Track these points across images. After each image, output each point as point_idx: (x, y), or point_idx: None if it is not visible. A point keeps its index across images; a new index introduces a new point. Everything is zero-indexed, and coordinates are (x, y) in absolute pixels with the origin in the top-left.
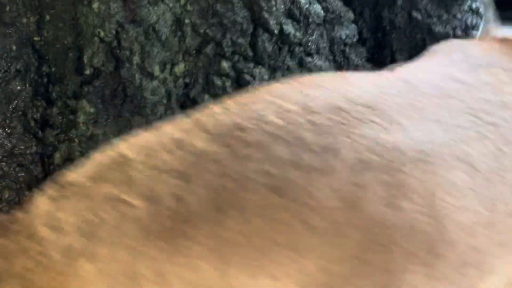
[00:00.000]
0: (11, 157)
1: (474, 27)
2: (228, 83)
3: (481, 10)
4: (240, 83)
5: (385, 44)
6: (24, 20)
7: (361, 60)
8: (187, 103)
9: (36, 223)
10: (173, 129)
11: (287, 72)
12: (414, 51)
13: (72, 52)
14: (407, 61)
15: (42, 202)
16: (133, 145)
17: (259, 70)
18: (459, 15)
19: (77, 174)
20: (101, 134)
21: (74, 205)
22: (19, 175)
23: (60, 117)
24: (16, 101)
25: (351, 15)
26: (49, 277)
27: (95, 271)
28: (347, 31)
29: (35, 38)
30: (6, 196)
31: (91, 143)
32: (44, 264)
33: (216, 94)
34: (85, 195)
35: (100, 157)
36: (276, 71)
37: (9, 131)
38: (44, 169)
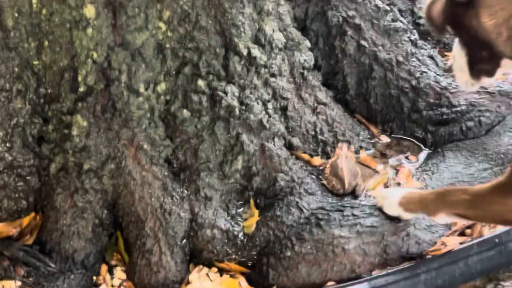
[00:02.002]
0: (11, 169)
1: (413, 54)
2: (204, 99)
3: (419, 41)
4: (214, 99)
5: (338, 70)
6: (26, 45)
7: (318, 82)
8: (168, 117)
9: None
10: None
11: (255, 90)
12: (362, 74)
13: (68, 72)
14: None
15: None
16: None
17: (231, 88)
18: (400, 44)
19: None
20: (92, 146)
21: None
22: (18, 185)
23: (55, 133)
24: (16, 118)
25: (308, 43)
26: None
27: None
28: (305, 57)
29: (35, 62)
30: (6, 205)
31: (84, 154)
32: None
33: (194, 109)
34: None
35: None
36: (245, 89)
37: (9, 145)
38: (40, 179)
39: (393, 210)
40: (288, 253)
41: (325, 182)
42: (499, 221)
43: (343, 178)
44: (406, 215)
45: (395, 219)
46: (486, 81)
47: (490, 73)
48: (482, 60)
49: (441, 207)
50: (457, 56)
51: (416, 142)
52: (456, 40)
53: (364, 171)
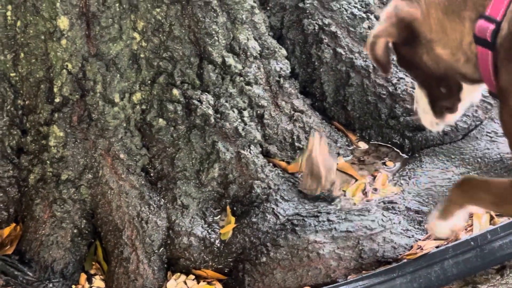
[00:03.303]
0: None
1: None
2: (179, 108)
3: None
4: (189, 108)
5: (315, 77)
6: (2, 57)
7: (295, 90)
8: (144, 126)
9: None
10: None
11: (230, 98)
12: (339, 82)
13: (44, 84)
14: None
15: None
16: None
17: (206, 97)
18: None
19: None
20: (70, 156)
21: None
22: None
23: (33, 144)
24: None
25: (284, 51)
26: None
27: None
28: (281, 65)
29: (11, 74)
30: None
31: (61, 164)
32: None
33: (169, 118)
34: None
35: None
36: (220, 97)
37: None
38: (20, 190)
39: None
40: (264, 259)
41: (300, 182)
42: None
43: (319, 175)
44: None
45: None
46: (450, 117)
47: (452, 109)
48: (442, 97)
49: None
50: (419, 98)
51: (394, 148)
52: (416, 83)
53: (343, 177)
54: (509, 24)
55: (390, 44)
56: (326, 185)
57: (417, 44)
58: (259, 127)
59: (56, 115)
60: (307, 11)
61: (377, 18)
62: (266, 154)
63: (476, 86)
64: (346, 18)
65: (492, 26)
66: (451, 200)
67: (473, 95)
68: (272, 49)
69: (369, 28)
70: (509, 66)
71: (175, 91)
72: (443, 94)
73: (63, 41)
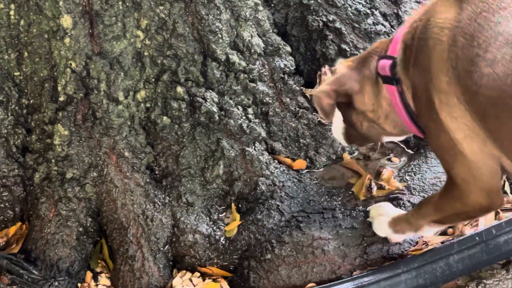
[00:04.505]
0: None
1: None
2: (183, 106)
3: None
4: (194, 105)
5: None
6: (6, 56)
7: (299, 86)
8: (149, 124)
9: None
10: None
11: (234, 95)
12: None
13: (48, 82)
14: None
15: None
16: None
17: (210, 94)
18: None
19: None
20: (74, 154)
21: None
22: (3, 195)
23: (38, 143)
24: None
25: (288, 48)
26: None
27: None
28: (285, 62)
29: (15, 73)
30: None
31: (66, 163)
32: None
33: (174, 116)
34: None
35: None
36: (224, 95)
37: None
38: (25, 189)
39: (382, 231)
40: (268, 256)
41: (318, 116)
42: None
43: None
44: (394, 237)
45: None
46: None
47: (361, 145)
48: (355, 137)
49: (420, 219)
50: (337, 123)
51: (399, 144)
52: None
53: (348, 173)
54: (401, 57)
55: None
56: None
57: (351, 108)
58: (263, 124)
59: (60, 113)
60: (311, 8)
61: (384, 15)
62: (271, 151)
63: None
64: (351, 14)
65: (389, 62)
66: (408, 220)
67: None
68: (276, 46)
69: (374, 24)
70: (420, 105)
71: (179, 89)
72: (356, 137)
73: (67, 40)
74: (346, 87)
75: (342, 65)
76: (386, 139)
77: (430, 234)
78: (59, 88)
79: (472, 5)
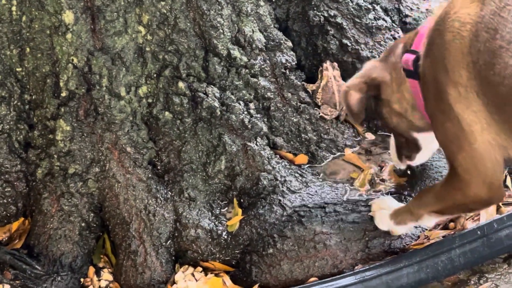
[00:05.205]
0: None
1: None
2: (185, 101)
3: None
4: (195, 101)
5: None
6: (8, 52)
7: (300, 81)
8: (151, 120)
9: None
10: None
11: (236, 91)
12: (345, 73)
13: (50, 78)
14: None
15: None
16: None
17: (211, 89)
18: (383, 42)
19: None
20: (77, 150)
21: None
22: (6, 190)
23: (40, 138)
24: (1, 125)
25: (289, 43)
26: None
27: None
28: (287, 57)
29: (18, 69)
30: None
31: (69, 158)
32: None
33: (176, 111)
34: None
35: None
36: (226, 90)
37: None
38: (28, 185)
39: (384, 224)
40: (271, 251)
41: (320, 111)
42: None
43: (335, 101)
44: (396, 229)
45: None
46: (411, 162)
47: (410, 158)
48: (403, 146)
49: (421, 209)
50: (391, 140)
51: None
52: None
53: (350, 168)
54: (425, 53)
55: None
56: (339, 109)
57: (381, 102)
58: (265, 119)
59: (62, 109)
60: (313, 3)
61: (386, 10)
62: (273, 146)
63: (432, 136)
64: (352, 9)
65: (412, 56)
66: (409, 210)
67: (431, 146)
68: (277, 41)
69: (375, 19)
70: (428, 94)
71: (181, 84)
72: (404, 143)
73: (68, 35)
74: (375, 76)
75: (369, 62)
76: (417, 135)
77: (431, 225)
78: (61, 84)
79: (496, 0)
